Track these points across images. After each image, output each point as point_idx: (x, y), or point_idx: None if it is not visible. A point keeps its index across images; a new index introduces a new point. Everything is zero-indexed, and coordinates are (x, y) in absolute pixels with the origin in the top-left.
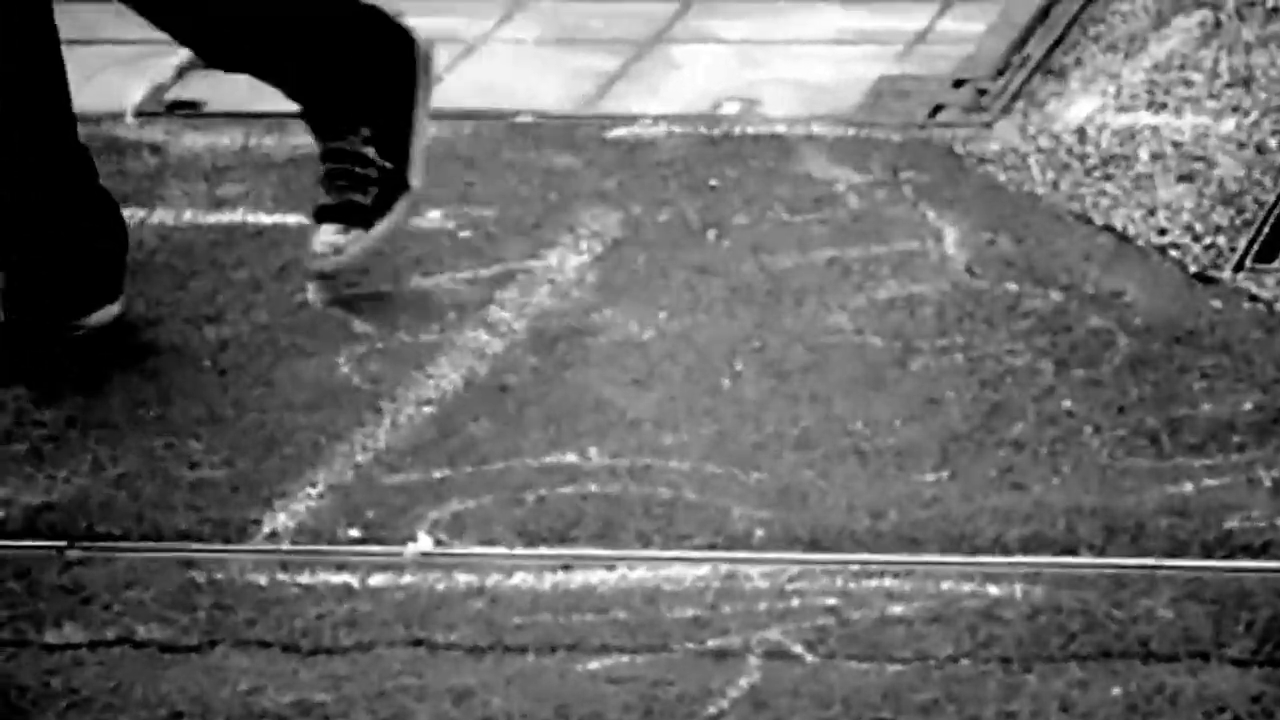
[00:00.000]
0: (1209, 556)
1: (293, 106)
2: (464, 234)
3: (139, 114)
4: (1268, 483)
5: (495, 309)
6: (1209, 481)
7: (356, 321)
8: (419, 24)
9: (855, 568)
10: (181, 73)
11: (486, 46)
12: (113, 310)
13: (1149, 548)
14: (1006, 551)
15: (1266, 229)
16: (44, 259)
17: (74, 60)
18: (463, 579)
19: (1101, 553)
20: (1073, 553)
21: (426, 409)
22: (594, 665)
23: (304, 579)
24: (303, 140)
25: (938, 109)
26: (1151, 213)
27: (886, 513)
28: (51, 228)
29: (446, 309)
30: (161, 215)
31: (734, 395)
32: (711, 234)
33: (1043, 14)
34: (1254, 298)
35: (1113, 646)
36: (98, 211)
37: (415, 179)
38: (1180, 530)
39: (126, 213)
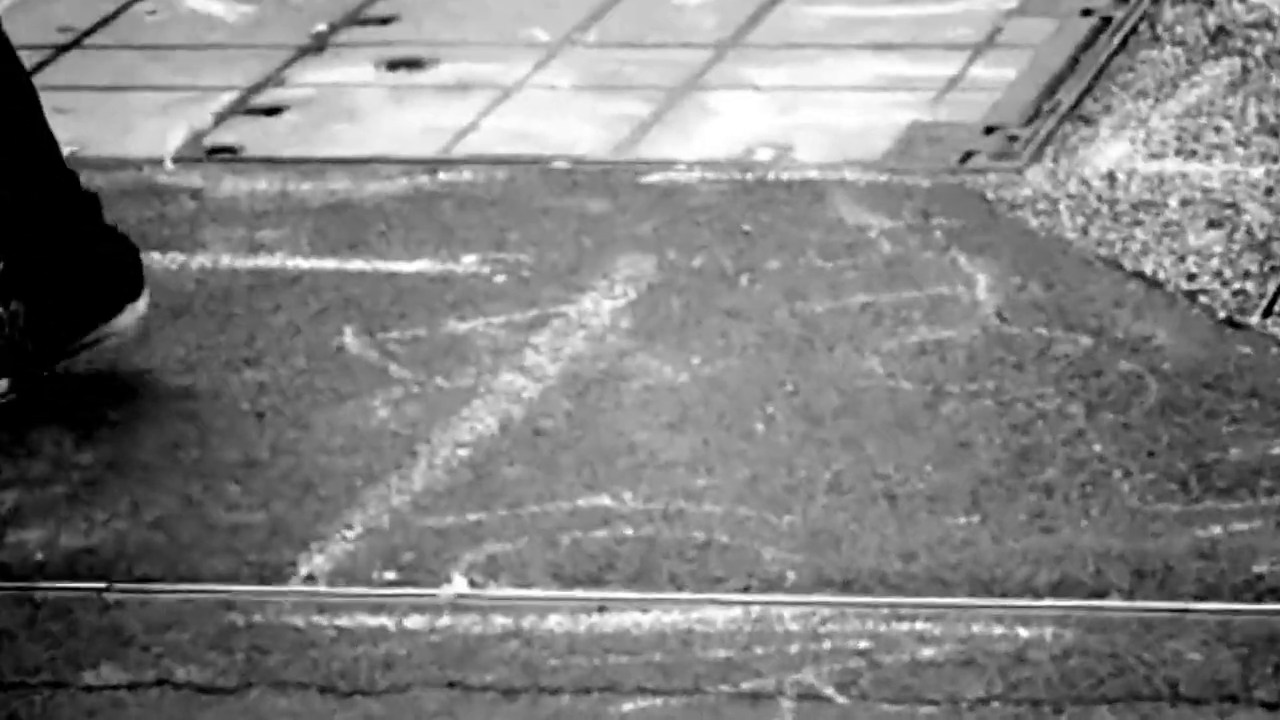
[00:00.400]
0: (1237, 600)
1: (329, 151)
2: (499, 279)
3: (178, 159)
4: None
5: (530, 353)
6: (1238, 525)
7: (393, 366)
8: (456, 70)
9: (886, 610)
10: (220, 119)
11: (522, 93)
12: (139, 308)
13: (1178, 591)
14: (1036, 595)
15: None
16: (53, 275)
17: (113, 106)
18: (498, 621)
19: (1131, 596)
20: (1102, 596)
21: (462, 452)
22: (628, 707)
23: (340, 621)
24: (339, 186)
25: (969, 155)
26: (1181, 259)
27: (918, 556)
28: (53, 243)
29: (482, 353)
30: (200, 260)
31: (767, 439)
32: (745, 279)
33: (1073, 62)
34: None
35: (1142, 690)
36: (91, 217)
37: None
38: (1209, 574)
39: (165, 258)
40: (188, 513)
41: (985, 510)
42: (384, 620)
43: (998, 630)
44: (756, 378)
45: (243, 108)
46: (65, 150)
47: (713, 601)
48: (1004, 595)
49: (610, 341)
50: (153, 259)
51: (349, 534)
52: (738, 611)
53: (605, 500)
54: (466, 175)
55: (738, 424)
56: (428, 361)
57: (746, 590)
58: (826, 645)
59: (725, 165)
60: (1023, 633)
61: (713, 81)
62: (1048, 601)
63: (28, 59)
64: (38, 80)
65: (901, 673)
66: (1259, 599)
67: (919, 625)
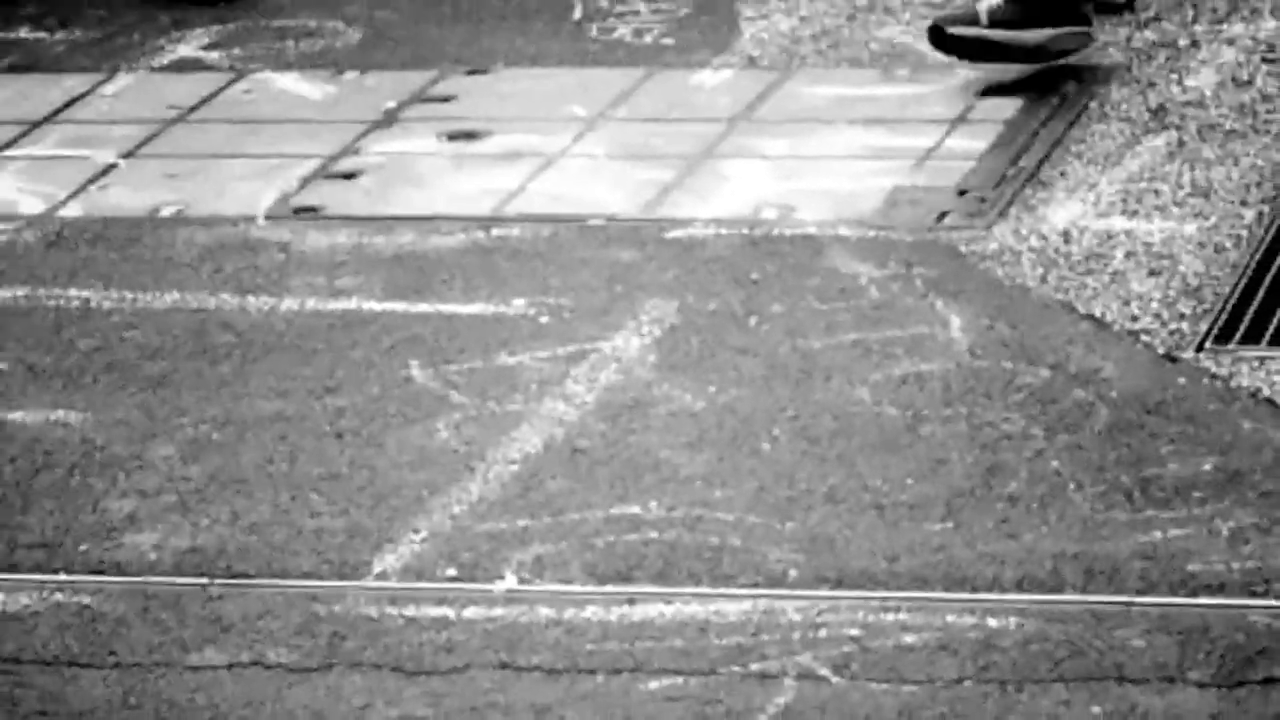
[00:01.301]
0: (1175, 595)
1: (398, 210)
2: (544, 319)
3: (269, 217)
4: (1224, 532)
5: (570, 383)
6: (1174, 531)
7: (453, 393)
8: (507, 141)
9: (874, 603)
10: (304, 182)
11: (563, 160)
12: None
13: (1124, 587)
14: (1002, 590)
15: (1223, 316)
16: None
17: (213, 172)
18: (543, 612)
19: (1083, 591)
20: (1059, 591)
21: (512, 468)
22: (653, 685)
23: (408, 611)
24: (406, 240)
25: (944, 214)
26: (1126, 303)
27: (900, 557)
28: None
29: (529, 383)
30: (288, 303)
31: (772, 457)
32: (753, 320)
33: (1033, 134)
34: (1213, 375)
35: (1093, 671)
36: None
37: None
38: (1150, 572)
39: (258, 301)
40: (278, 519)
41: (958, 518)
42: (445, 611)
43: (969, 620)
44: (763, 404)
45: (324, 173)
46: (171, 210)
47: (725, 595)
48: (974, 590)
49: (638, 373)
50: (248, 302)
51: (416, 537)
52: (747, 604)
53: (634, 509)
54: (515, 231)
55: (747, 444)
56: (483, 390)
57: (754, 586)
58: (823, 633)
59: (736, 223)
60: (991, 623)
61: (726, 151)
62: (1012, 596)
63: (142, 132)
64: (152, 149)
65: (887, 657)
66: (1193, 594)
67: (902, 616)
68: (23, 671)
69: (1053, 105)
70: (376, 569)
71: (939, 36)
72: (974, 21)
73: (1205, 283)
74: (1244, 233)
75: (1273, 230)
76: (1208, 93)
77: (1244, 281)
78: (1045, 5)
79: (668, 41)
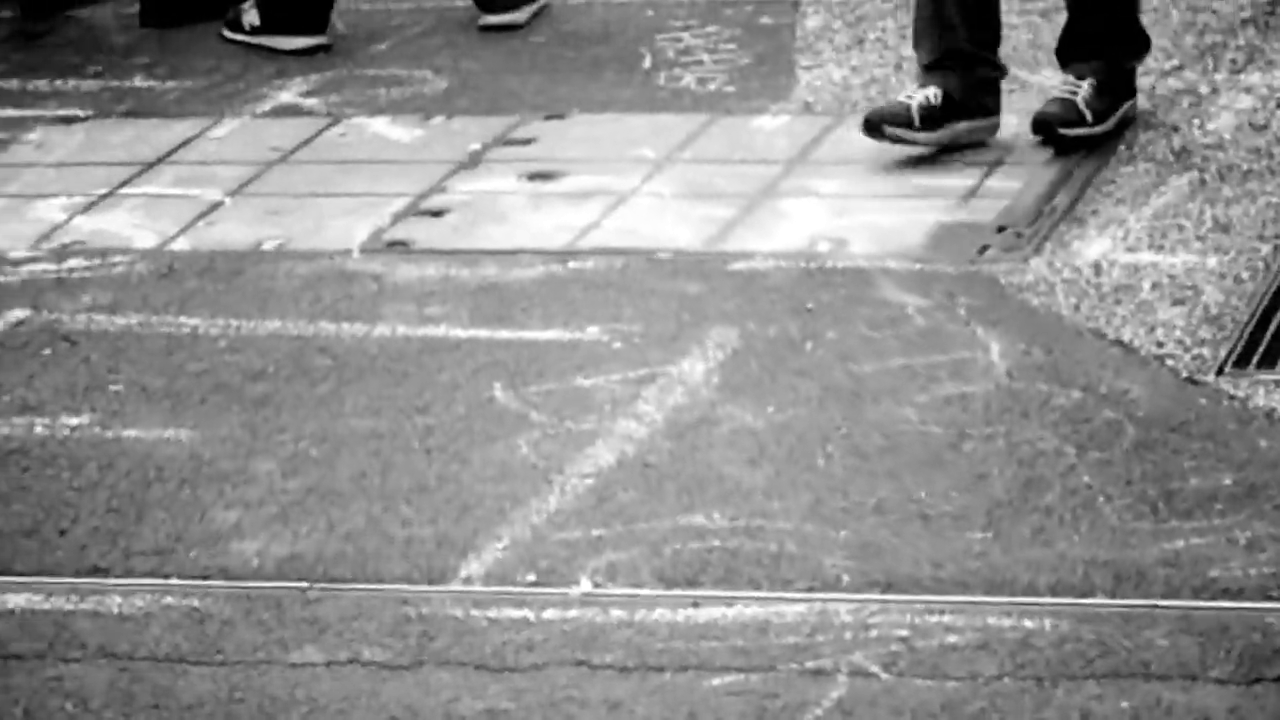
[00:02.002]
0: (1196, 598)
1: (482, 245)
2: (616, 345)
3: (363, 250)
4: (1242, 541)
5: (641, 403)
6: (1196, 540)
7: (533, 413)
8: (582, 181)
9: (920, 606)
10: (396, 219)
11: (633, 199)
12: None
13: (1150, 591)
14: (1038, 594)
15: (1241, 342)
16: None
17: (312, 209)
18: (615, 614)
19: (1112, 595)
20: (1090, 595)
21: (587, 481)
22: (717, 681)
23: (491, 613)
24: (490, 272)
25: (985, 248)
26: (1152, 329)
27: (944, 564)
28: None
29: (602, 403)
30: (381, 330)
31: (826, 471)
32: (809, 345)
33: (1066, 175)
34: (1232, 397)
35: (1122, 669)
36: None
37: None
38: (1174, 578)
39: (353, 328)
40: (371, 528)
41: (997, 528)
42: (526, 613)
43: (1008, 622)
44: (818, 423)
45: (413, 210)
46: (273, 244)
47: (783, 599)
48: (1012, 594)
49: (703, 395)
50: (343, 329)
51: (498, 545)
52: (803, 607)
53: (699, 519)
54: (589, 264)
55: (803, 459)
56: (560, 410)
57: (810, 590)
58: (873, 633)
59: (793, 256)
60: (1027, 624)
61: (783, 190)
62: (1047, 599)
63: (246, 172)
64: (255, 188)
65: (932, 655)
66: (1213, 598)
67: (946, 618)
68: (137, 668)
69: (1084, 149)
70: (462, 574)
71: (872, 129)
72: (907, 117)
73: (1225, 311)
74: (1260, 265)
75: None
76: (1227, 136)
77: (1260, 310)
78: (964, 102)
79: (730, 89)
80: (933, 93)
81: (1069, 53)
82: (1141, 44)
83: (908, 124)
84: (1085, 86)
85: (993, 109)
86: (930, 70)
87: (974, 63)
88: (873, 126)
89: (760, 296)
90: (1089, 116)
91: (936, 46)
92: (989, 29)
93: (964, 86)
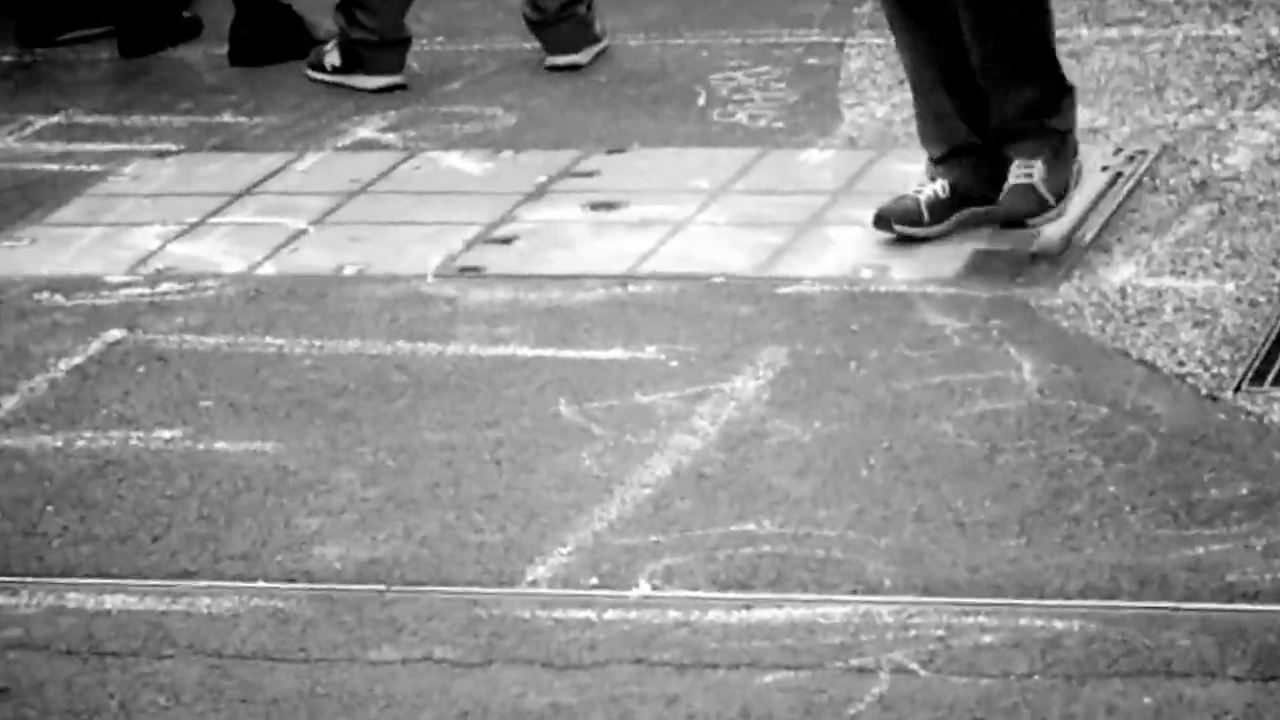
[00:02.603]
0: (1215, 601)
1: (548, 270)
2: (673, 364)
3: (437, 275)
4: (1258, 548)
5: (696, 418)
6: (1215, 546)
7: (595, 427)
8: (641, 211)
9: (957, 608)
10: (468, 245)
11: (689, 227)
12: None
13: (1171, 595)
14: (1067, 597)
15: (1257, 362)
16: None
17: (389, 236)
18: (672, 615)
19: (1137, 598)
20: (1115, 598)
21: (645, 491)
22: (768, 679)
23: (557, 614)
24: (555, 295)
25: (1018, 274)
26: (1174, 350)
27: (980, 568)
28: None
29: (660, 418)
30: (453, 349)
31: (868, 482)
32: (853, 364)
33: (1093, 206)
34: (1249, 412)
35: (1145, 667)
36: None
37: None
38: (1194, 582)
39: (427, 347)
40: (445, 534)
41: (1029, 535)
42: (589, 614)
43: (1039, 623)
44: (861, 437)
45: (484, 238)
46: (353, 269)
47: (829, 601)
48: (1043, 597)
49: (754, 410)
50: (418, 348)
51: (563, 550)
52: (848, 608)
53: (750, 526)
54: (648, 288)
55: (847, 471)
56: (620, 424)
57: (854, 593)
58: (913, 633)
59: (839, 280)
60: (1057, 625)
61: (830, 219)
62: (1075, 602)
63: (328, 202)
64: (336, 217)
65: (968, 654)
66: (1231, 601)
67: (981, 619)
68: (225, 665)
69: (1109, 180)
70: (529, 577)
71: (882, 223)
72: (917, 214)
73: (1242, 333)
74: (1275, 290)
75: None
76: (1244, 169)
77: (1276, 332)
78: (970, 191)
79: (779, 125)
80: (940, 186)
81: (1006, 136)
82: (1069, 96)
83: (917, 221)
84: (1038, 166)
85: (995, 197)
86: (939, 164)
87: (980, 153)
88: (883, 221)
89: (808, 318)
90: (1051, 200)
91: (943, 142)
92: (984, 110)
93: (972, 177)
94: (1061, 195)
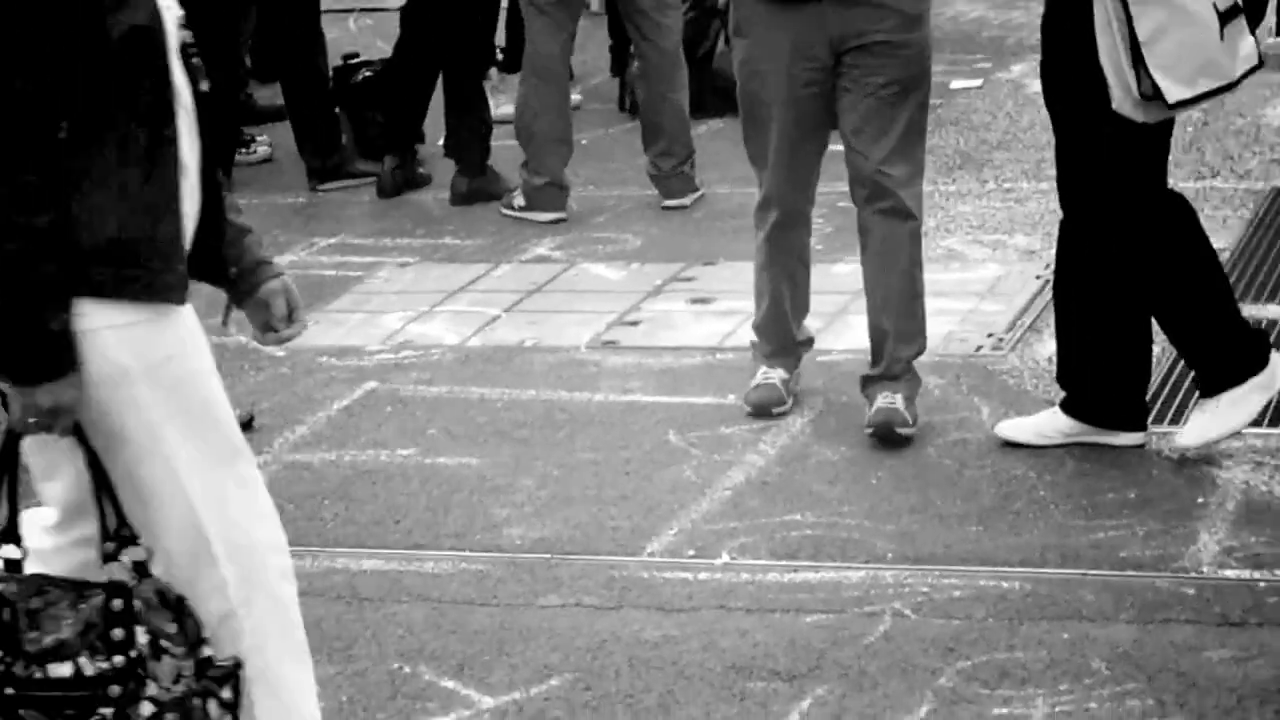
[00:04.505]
0: (1112, 570)
1: (662, 344)
2: (746, 408)
3: (587, 346)
4: (1140, 534)
5: (761, 444)
6: (1112, 532)
7: (693, 449)
8: (727, 304)
9: (938, 572)
10: (608, 326)
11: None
12: None
13: (1081, 564)
14: (1011, 565)
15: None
16: None
17: (555, 320)
18: (744, 575)
19: (1059, 567)
20: (1044, 567)
21: (726, 493)
22: (809, 619)
23: (666, 575)
24: (667, 360)
25: (979, 348)
26: None
27: (953, 546)
28: None
29: (737, 443)
30: (598, 396)
31: (877, 488)
32: (867, 409)
33: (1031, 300)
34: (1139, 444)
35: (1063, 613)
36: None
37: None
38: (1098, 556)
39: (581, 395)
40: (591, 520)
41: (986, 524)
42: (687, 575)
43: (992, 583)
44: (873, 457)
45: (619, 321)
46: (531, 342)
47: (850, 567)
48: (994, 565)
49: (801, 439)
50: (575, 395)
51: (670, 532)
52: (863, 573)
53: (797, 516)
54: (730, 356)
55: (863, 480)
56: (710, 447)
57: (867, 562)
58: (906, 589)
59: (858, 351)
60: (1004, 584)
61: (851, 310)
62: (1017, 569)
63: (514, 298)
64: (520, 307)
65: (944, 604)
66: (1123, 569)
67: (953, 580)
68: (442, 608)
69: (1040, 288)
70: (648, 550)
71: (761, 412)
72: (780, 396)
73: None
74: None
75: None
76: None
77: (1162, 384)
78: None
79: (819, 247)
80: (779, 376)
81: (875, 382)
82: (922, 342)
83: (781, 401)
84: (899, 400)
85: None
86: (771, 358)
87: (804, 350)
88: (762, 411)
89: (837, 377)
90: (910, 420)
91: (775, 339)
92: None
93: (795, 371)
94: (915, 421)
